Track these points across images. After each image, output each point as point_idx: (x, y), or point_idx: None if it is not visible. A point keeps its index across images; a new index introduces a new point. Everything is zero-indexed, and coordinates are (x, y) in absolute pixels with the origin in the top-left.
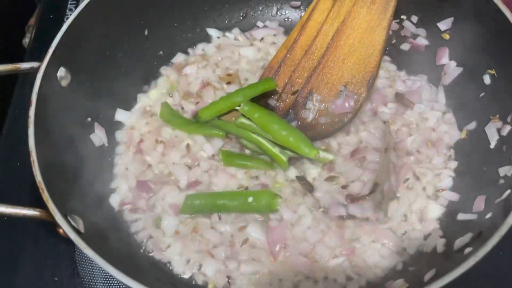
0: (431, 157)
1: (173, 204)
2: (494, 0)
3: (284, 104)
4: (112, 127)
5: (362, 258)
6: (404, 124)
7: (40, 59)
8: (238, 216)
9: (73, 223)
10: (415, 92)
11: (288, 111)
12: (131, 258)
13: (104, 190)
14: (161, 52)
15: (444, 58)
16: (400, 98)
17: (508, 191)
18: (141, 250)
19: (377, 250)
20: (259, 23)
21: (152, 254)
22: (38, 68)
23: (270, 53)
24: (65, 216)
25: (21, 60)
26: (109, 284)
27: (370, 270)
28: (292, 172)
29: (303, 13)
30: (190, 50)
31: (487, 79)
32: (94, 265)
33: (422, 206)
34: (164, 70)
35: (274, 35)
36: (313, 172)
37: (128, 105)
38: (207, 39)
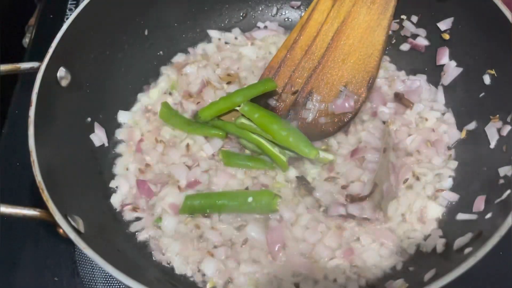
0: (431, 157)
1: (173, 204)
2: (494, 0)
3: (284, 104)
4: (112, 127)
5: (361, 258)
6: (403, 124)
7: (40, 59)
8: (238, 216)
9: (73, 223)
10: (414, 91)
11: (288, 111)
12: (131, 258)
13: (104, 190)
14: (161, 52)
15: (444, 58)
16: (399, 98)
17: (508, 191)
18: (141, 250)
19: (376, 250)
20: (259, 23)
21: (152, 254)
22: (38, 68)
23: (270, 53)
24: (65, 216)
25: (21, 60)
26: (109, 284)
27: (369, 270)
28: (292, 172)
29: (303, 13)
30: (190, 50)
31: (487, 79)
32: (94, 265)
33: (422, 206)
34: (164, 69)
35: (274, 35)
36: (313, 172)
37: (128, 105)
38: (207, 38)
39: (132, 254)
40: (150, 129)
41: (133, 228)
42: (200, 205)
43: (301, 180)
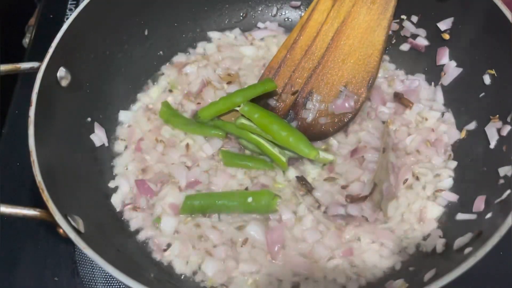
0: (431, 157)
1: (173, 204)
2: (494, 0)
3: (284, 105)
4: (112, 126)
5: (361, 258)
6: (403, 124)
7: (40, 59)
8: (238, 216)
9: (73, 223)
10: (413, 91)
11: (288, 111)
12: (131, 258)
13: (104, 189)
14: (161, 52)
15: (444, 58)
16: (398, 97)
17: (508, 191)
18: (141, 250)
19: (376, 250)
20: (259, 23)
21: (152, 253)
22: (38, 68)
23: (271, 53)
24: (65, 216)
25: (21, 60)
26: (109, 284)
27: (369, 270)
28: (292, 173)
29: (303, 13)
30: (190, 50)
31: (487, 79)
32: (94, 265)
33: (422, 206)
34: (164, 69)
35: (274, 35)
36: (312, 172)
37: (128, 105)
38: (208, 38)
39: (132, 254)
40: (150, 128)
41: (133, 227)
42: (200, 205)
43: (301, 180)
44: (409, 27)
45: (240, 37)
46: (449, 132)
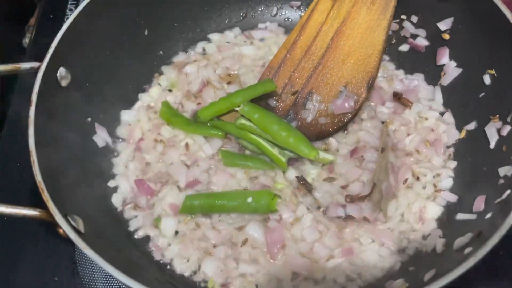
0: (431, 157)
1: (172, 204)
2: (494, 0)
3: (284, 105)
4: (112, 126)
5: (361, 258)
6: (402, 123)
7: (40, 59)
8: (238, 216)
9: (73, 223)
10: (412, 90)
11: (288, 111)
12: (131, 258)
13: (104, 189)
14: (161, 52)
15: (444, 58)
16: (398, 97)
17: (508, 191)
18: (141, 250)
19: (376, 250)
20: (259, 23)
21: (152, 253)
22: (38, 68)
23: (271, 53)
24: (65, 216)
25: (21, 60)
26: (109, 284)
27: (369, 270)
28: (292, 173)
29: (303, 13)
30: (190, 50)
31: (487, 79)
32: (94, 265)
33: (422, 206)
34: (164, 69)
35: (274, 35)
36: (312, 173)
37: (128, 105)
38: (208, 38)
39: (132, 254)
40: (150, 128)
41: (133, 227)
42: (200, 206)
43: (301, 180)
44: (409, 27)
45: (240, 37)
46: (449, 132)
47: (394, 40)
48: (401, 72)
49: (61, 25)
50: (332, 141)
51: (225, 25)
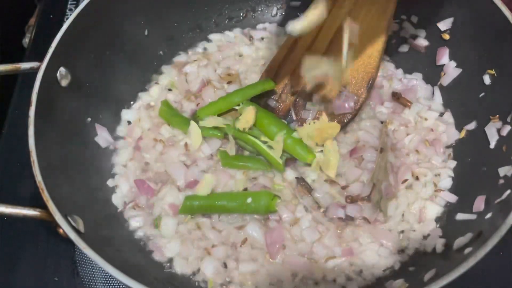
0: (430, 157)
1: (172, 204)
2: (494, 0)
3: (284, 105)
4: (112, 126)
5: (361, 258)
6: (401, 123)
7: (40, 59)
8: (238, 216)
9: (73, 223)
10: (410, 90)
11: (288, 111)
12: (131, 258)
13: (104, 189)
14: (161, 52)
15: (444, 58)
16: (397, 97)
17: (508, 191)
18: (141, 250)
19: (376, 250)
20: (259, 23)
21: (151, 253)
22: (38, 68)
23: (271, 53)
24: (65, 216)
25: (21, 60)
26: (109, 284)
27: (369, 270)
28: (291, 173)
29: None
30: (190, 50)
31: (487, 79)
32: (94, 265)
33: (421, 206)
34: (164, 68)
35: (274, 35)
36: (312, 173)
37: (128, 105)
38: (208, 38)
39: (132, 254)
40: (150, 127)
41: (133, 227)
42: (200, 206)
43: (301, 181)
44: (409, 28)
45: (241, 37)
46: (448, 132)
47: (394, 40)
48: (400, 72)
49: (61, 25)
50: None
51: (225, 25)
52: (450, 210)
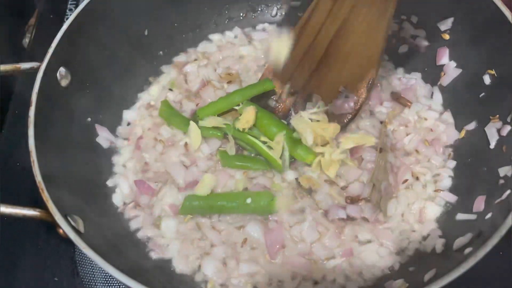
0: (430, 157)
1: (172, 204)
2: (494, 0)
3: (284, 105)
4: (112, 126)
5: (361, 258)
6: (401, 123)
7: (40, 59)
8: (238, 216)
9: (73, 223)
10: (410, 89)
11: (288, 112)
12: (131, 258)
13: (104, 189)
14: (161, 52)
15: (444, 58)
16: (396, 97)
17: (508, 191)
18: (141, 250)
19: (376, 250)
20: (259, 23)
21: (151, 253)
22: (38, 68)
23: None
24: (65, 216)
25: (21, 60)
26: (109, 284)
27: (369, 270)
28: (291, 174)
29: (303, 14)
30: (190, 50)
31: (487, 79)
32: (94, 265)
33: (421, 206)
34: (164, 68)
35: (274, 35)
36: (312, 174)
37: (128, 105)
38: (208, 38)
39: (132, 254)
40: (151, 126)
41: (133, 227)
42: (199, 206)
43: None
44: (408, 28)
45: (240, 36)
46: (448, 132)
47: (394, 41)
48: (399, 71)
49: (61, 25)
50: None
51: (225, 25)
52: (450, 210)
